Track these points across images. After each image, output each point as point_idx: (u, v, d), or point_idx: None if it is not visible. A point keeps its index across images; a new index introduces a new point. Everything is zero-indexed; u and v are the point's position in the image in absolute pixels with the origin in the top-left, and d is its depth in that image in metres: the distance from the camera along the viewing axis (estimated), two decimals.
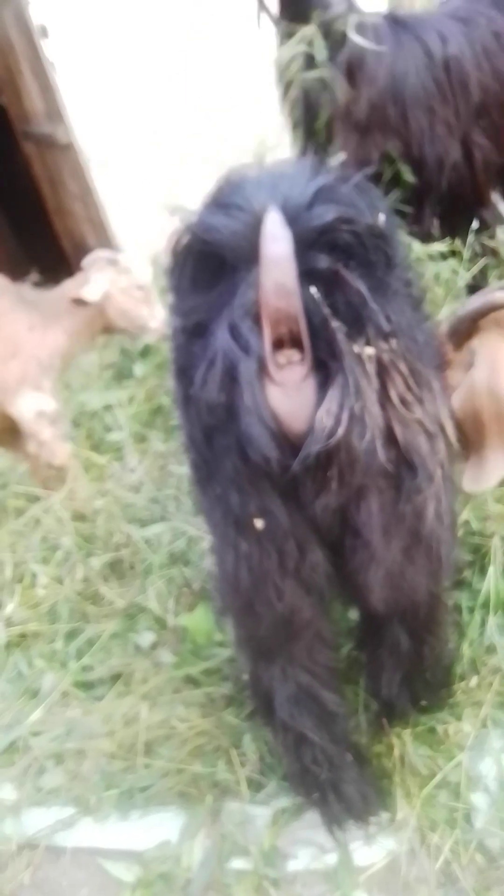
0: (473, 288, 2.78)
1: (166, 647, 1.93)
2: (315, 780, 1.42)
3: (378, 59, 2.51)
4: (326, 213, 0.97)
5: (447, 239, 2.73)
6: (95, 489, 2.35)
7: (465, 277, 2.58)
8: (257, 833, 1.52)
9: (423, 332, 1.13)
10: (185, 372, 1.04)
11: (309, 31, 2.47)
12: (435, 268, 2.64)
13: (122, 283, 2.45)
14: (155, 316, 2.46)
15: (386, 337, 0.98)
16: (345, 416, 0.94)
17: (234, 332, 0.95)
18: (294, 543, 1.07)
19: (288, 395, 0.95)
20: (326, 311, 0.95)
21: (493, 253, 2.93)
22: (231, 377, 0.96)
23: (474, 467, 1.54)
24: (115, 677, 1.91)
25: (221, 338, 0.97)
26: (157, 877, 1.49)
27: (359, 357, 0.96)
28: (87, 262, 2.54)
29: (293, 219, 0.94)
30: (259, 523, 1.04)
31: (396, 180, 2.64)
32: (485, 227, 2.81)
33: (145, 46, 3.71)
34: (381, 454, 0.99)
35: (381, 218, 1.04)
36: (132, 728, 1.73)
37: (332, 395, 0.94)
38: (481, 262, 2.69)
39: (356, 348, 0.95)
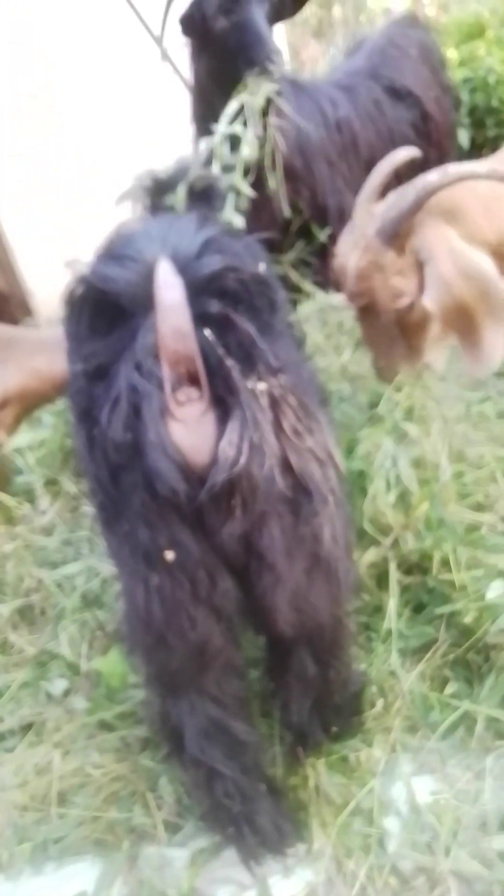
0: None
1: (79, 694, 1.88)
2: (228, 814, 1.41)
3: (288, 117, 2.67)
4: (214, 262, 1.04)
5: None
6: (5, 532, 2.29)
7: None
8: (176, 876, 1.49)
9: (306, 369, 1.23)
10: (87, 414, 1.06)
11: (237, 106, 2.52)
12: (338, 317, 2.78)
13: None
14: None
15: (275, 373, 1.05)
16: (245, 446, 1.00)
17: (137, 372, 0.99)
18: (205, 572, 1.11)
19: (189, 429, 1.00)
20: (221, 351, 1.01)
21: None
22: (135, 414, 0.99)
23: (473, 353, 1.53)
24: (27, 727, 1.84)
25: (125, 377, 1.00)
26: None
27: (253, 392, 1.02)
28: None
29: (183, 268, 1.00)
30: (170, 555, 1.07)
31: (302, 232, 2.80)
32: None
33: (54, 83, 3.75)
34: (279, 481, 1.06)
35: (262, 267, 1.12)
36: (45, 778, 1.67)
37: (232, 426, 1.00)
38: None
39: (250, 384, 1.02)
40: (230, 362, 1.00)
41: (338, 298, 2.77)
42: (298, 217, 2.75)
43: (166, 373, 0.97)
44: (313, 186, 2.78)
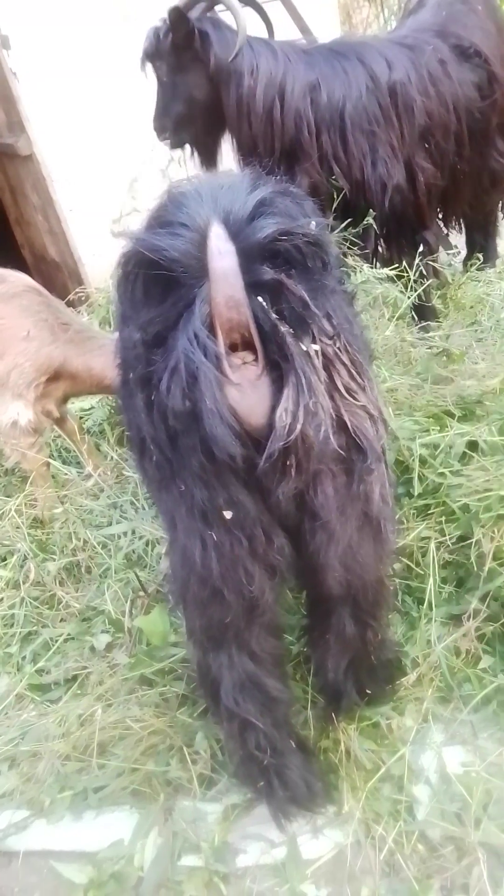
0: (418, 308, 2.84)
1: (122, 650, 1.89)
2: (260, 766, 1.42)
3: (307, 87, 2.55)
4: (267, 226, 1.01)
5: (392, 260, 2.78)
6: (55, 495, 2.32)
7: (410, 298, 2.61)
8: (208, 829, 1.50)
9: (357, 325, 1.21)
10: (146, 379, 1.07)
11: None
12: (382, 289, 2.67)
13: None
14: None
15: (329, 334, 1.04)
16: (300, 413, 0.99)
17: (193, 342, 0.98)
18: (261, 529, 1.12)
19: (245, 392, 1.00)
20: (274, 317, 0.99)
21: (436, 274, 2.98)
22: (193, 382, 0.99)
23: None
24: (71, 680, 1.86)
25: (182, 347, 0.99)
26: (110, 877, 1.44)
27: (307, 355, 1.01)
28: None
29: (236, 232, 0.98)
30: (228, 514, 1.09)
31: (345, 207, 2.68)
32: (428, 250, 2.88)
33: (108, 59, 3.68)
34: (334, 440, 1.05)
35: (314, 225, 1.08)
36: (87, 729, 1.69)
37: (287, 393, 0.99)
38: (426, 284, 2.74)
39: (304, 346, 1.00)
40: (284, 328, 0.98)
41: (384, 271, 2.67)
42: (337, 192, 2.64)
43: (221, 341, 0.96)
44: (347, 160, 2.63)
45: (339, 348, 1.05)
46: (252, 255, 0.98)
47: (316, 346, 1.01)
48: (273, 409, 1.00)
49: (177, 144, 2.76)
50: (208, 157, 2.79)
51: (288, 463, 1.03)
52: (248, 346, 0.99)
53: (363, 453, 1.11)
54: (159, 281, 1.05)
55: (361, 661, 1.50)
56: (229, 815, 1.52)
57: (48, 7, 3.66)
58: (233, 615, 1.23)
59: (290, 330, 0.99)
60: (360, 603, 1.39)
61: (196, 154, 2.80)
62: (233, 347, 0.99)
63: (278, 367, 1.00)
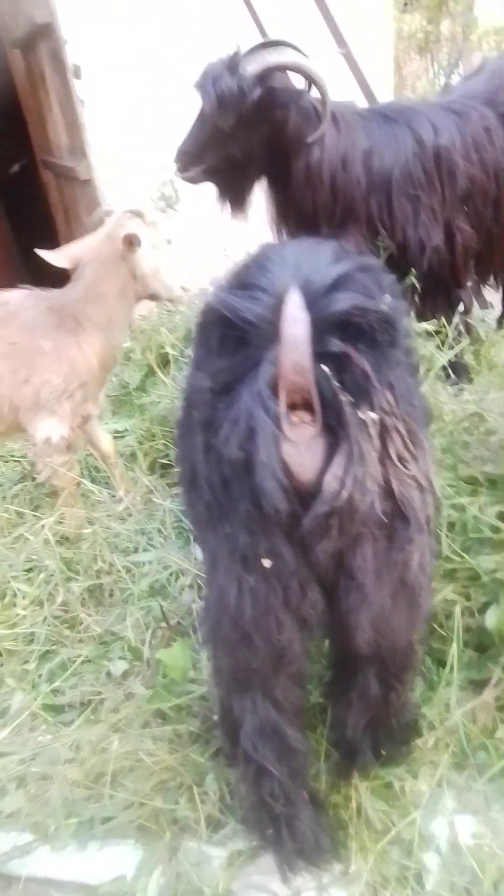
0: (452, 364, 2.85)
1: (138, 678, 1.87)
2: (270, 814, 1.40)
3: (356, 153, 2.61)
4: (343, 301, 1.04)
5: (427, 317, 2.81)
6: (85, 516, 2.32)
7: (445, 356, 2.62)
8: (212, 874, 1.47)
9: (417, 396, 1.22)
10: (209, 423, 1.10)
11: None
12: (417, 345, 2.68)
13: (152, 238, 2.30)
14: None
15: (388, 404, 1.05)
16: (349, 480, 1.01)
17: (256, 400, 1.01)
18: (297, 582, 1.13)
19: (299, 450, 1.03)
20: (336, 385, 1.02)
21: (468, 331, 3.01)
22: (251, 436, 1.02)
23: None
24: (85, 704, 1.85)
25: (245, 402, 1.03)
26: None
27: (363, 423, 1.02)
28: (100, 214, 2.40)
29: (312, 302, 1.00)
30: (267, 562, 1.10)
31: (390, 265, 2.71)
32: (463, 308, 2.91)
33: (168, 90, 3.76)
34: (379, 507, 1.06)
35: (388, 299, 1.11)
36: (98, 756, 1.67)
37: (339, 461, 1.01)
38: (463, 343, 2.76)
39: (361, 414, 1.02)
40: (344, 397, 1.01)
41: (422, 325, 2.69)
42: (383, 251, 2.69)
43: (283, 401, 0.99)
44: (391, 222, 2.70)
45: (396, 418, 1.07)
46: (324, 326, 1.01)
47: (373, 415, 1.03)
48: (323, 469, 1.02)
49: (196, 182, 2.75)
50: (239, 204, 2.79)
51: (331, 523, 1.04)
52: (307, 406, 1.01)
53: (407, 522, 1.12)
54: (234, 336, 1.09)
55: (381, 721, 1.48)
56: (234, 862, 1.49)
57: (117, 39, 3.77)
58: (260, 661, 1.23)
59: (350, 399, 1.02)
60: (388, 665, 1.38)
61: (225, 198, 2.79)
62: (292, 406, 1.02)
63: (334, 431, 1.02)
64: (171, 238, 2.59)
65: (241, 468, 1.04)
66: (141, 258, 2.27)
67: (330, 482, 1.00)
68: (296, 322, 0.97)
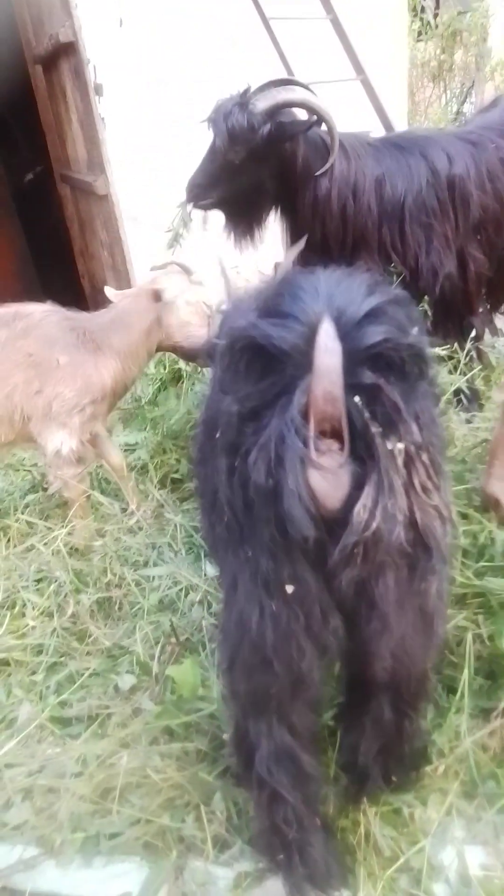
0: (473, 391, 2.87)
1: (146, 694, 1.87)
2: (282, 839, 1.38)
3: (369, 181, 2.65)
4: (376, 334, 1.04)
5: (439, 343, 2.83)
6: (96, 528, 2.32)
7: (457, 382, 2.64)
8: (218, 895, 1.47)
9: (439, 426, 1.22)
10: (234, 447, 1.10)
11: None
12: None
13: (191, 295, 2.37)
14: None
15: (415, 435, 1.06)
16: (378, 512, 1.01)
17: (288, 428, 1.01)
18: (319, 608, 1.13)
19: (326, 478, 1.02)
20: (367, 416, 1.02)
21: (480, 356, 3.04)
22: (279, 462, 1.01)
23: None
24: (92, 717, 1.84)
25: (275, 429, 1.02)
26: None
27: (391, 455, 1.03)
28: (156, 267, 2.46)
29: (345, 334, 1.00)
30: (290, 588, 1.10)
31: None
32: (475, 334, 2.93)
33: (187, 109, 3.81)
34: (402, 536, 1.05)
35: (415, 331, 1.11)
36: (105, 771, 1.67)
37: (368, 492, 1.01)
38: (475, 370, 2.78)
39: (389, 445, 1.03)
40: (374, 428, 1.01)
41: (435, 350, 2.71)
42: (396, 278, 2.72)
43: (312, 430, 0.99)
44: (403, 249, 2.73)
45: (421, 448, 1.07)
46: (356, 358, 1.01)
47: (401, 445, 1.04)
48: (349, 498, 1.02)
49: (206, 209, 2.79)
50: (248, 234, 2.80)
51: (356, 551, 1.04)
52: (335, 435, 1.02)
53: (429, 551, 1.12)
54: (262, 363, 1.08)
55: (393, 747, 1.47)
56: (241, 883, 1.48)
57: (139, 59, 3.83)
58: (279, 686, 1.23)
59: (380, 430, 1.03)
60: (403, 692, 1.38)
61: (233, 227, 2.79)
62: (321, 433, 1.02)
63: (360, 460, 1.02)
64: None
65: (267, 493, 1.04)
66: (170, 309, 2.35)
67: (360, 512, 1.00)
68: (329, 352, 0.97)
